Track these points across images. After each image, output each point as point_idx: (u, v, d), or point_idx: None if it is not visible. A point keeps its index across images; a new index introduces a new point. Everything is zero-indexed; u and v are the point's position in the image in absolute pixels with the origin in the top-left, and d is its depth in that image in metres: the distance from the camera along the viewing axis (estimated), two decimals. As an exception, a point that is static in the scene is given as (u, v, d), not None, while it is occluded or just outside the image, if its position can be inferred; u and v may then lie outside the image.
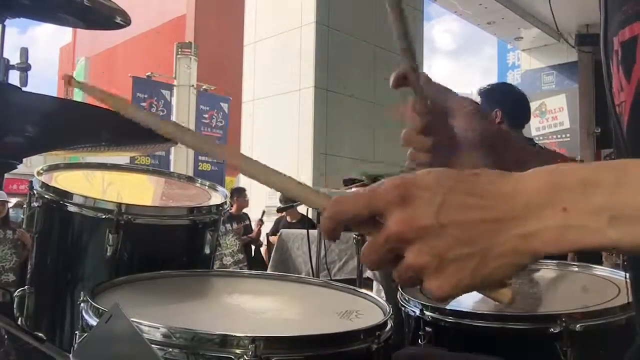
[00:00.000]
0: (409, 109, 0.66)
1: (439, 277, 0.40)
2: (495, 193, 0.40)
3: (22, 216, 1.27)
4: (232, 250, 5.56)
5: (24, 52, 1.08)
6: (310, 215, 3.83)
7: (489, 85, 2.50)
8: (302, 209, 4.88)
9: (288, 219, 5.85)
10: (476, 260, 0.39)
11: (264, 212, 6.52)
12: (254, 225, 6.40)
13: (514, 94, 2.49)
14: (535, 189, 0.39)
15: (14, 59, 1.07)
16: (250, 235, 6.16)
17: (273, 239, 5.26)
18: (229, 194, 1.44)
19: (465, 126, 0.66)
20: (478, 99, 2.49)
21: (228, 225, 5.62)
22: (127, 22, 1.18)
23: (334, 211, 0.44)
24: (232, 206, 6.22)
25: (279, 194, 6.94)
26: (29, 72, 1.07)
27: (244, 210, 6.49)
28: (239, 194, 6.38)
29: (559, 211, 0.38)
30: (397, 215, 0.40)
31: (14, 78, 1.07)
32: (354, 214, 0.43)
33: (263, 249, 6.47)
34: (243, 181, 8.01)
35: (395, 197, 0.41)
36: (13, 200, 5.10)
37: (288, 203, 5.35)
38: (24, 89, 1.05)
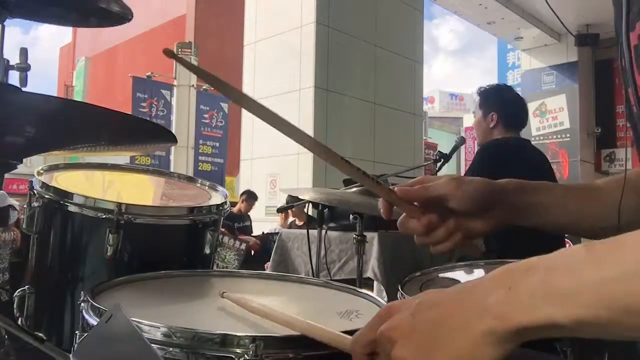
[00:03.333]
0: (407, 221, 0.77)
1: None
2: (461, 290, 0.48)
3: (22, 216, 1.27)
4: (227, 267, 5.51)
5: (24, 52, 1.08)
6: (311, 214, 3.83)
7: (487, 86, 2.53)
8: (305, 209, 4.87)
9: (297, 222, 5.82)
10: (447, 346, 0.44)
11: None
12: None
13: (511, 96, 2.51)
14: (491, 277, 0.46)
15: (16, 58, 1.07)
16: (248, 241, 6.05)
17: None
18: (228, 194, 1.44)
19: (456, 201, 0.75)
20: (477, 99, 2.52)
21: (236, 243, 5.55)
22: (127, 14, 1.17)
23: (353, 350, 0.53)
24: (233, 205, 6.21)
25: (278, 193, 6.94)
26: (30, 72, 1.07)
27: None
28: (250, 197, 6.34)
29: (505, 290, 0.43)
30: (385, 324, 0.50)
31: (14, 78, 1.07)
32: (366, 342, 0.52)
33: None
34: (243, 182, 8.01)
35: (383, 313, 0.52)
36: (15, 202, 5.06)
37: (292, 203, 5.31)
38: (23, 89, 1.05)
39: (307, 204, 2.61)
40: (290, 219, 5.91)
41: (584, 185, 0.84)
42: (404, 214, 0.77)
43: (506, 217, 0.78)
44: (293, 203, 4.08)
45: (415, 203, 0.76)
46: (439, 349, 0.45)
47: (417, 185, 0.77)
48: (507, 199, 0.77)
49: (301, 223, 5.68)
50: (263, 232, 6.22)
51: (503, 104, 2.42)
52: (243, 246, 5.61)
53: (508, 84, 2.99)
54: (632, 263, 0.38)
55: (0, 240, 4.19)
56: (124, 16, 1.17)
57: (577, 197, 0.81)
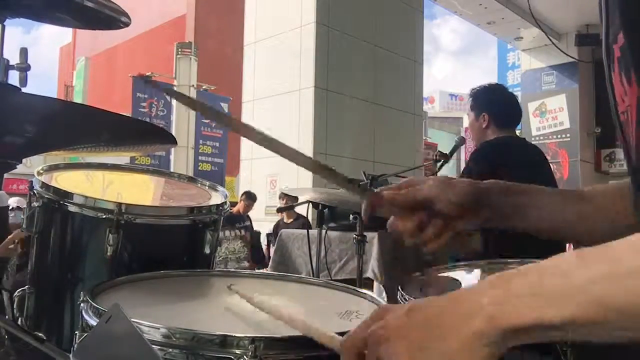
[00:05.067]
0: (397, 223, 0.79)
1: None
2: (457, 292, 0.48)
3: (22, 216, 1.27)
4: (239, 257, 5.55)
5: (24, 52, 1.08)
6: (306, 214, 3.83)
7: (478, 87, 2.52)
8: (298, 209, 4.88)
9: (285, 219, 5.85)
10: (439, 345, 0.45)
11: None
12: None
13: (501, 95, 2.49)
14: (487, 280, 0.46)
15: (16, 58, 1.07)
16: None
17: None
18: (228, 194, 1.44)
19: (443, 204, 0.77)
20: (470, 100, 2.51)
21: (237, 231, 5.60)
22: (127, 22, 1.18)
23: (343, 348, 0.53)
24: (233, 206, 6.22)
25: (278, 193, 6.94)
26: (30, 72, 1.07)
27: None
28: (248, 198, 6.36)
29: (498, 291, 0.44)
30: (376, 324, 0.50)
31: (14, 78, 1.07)
32: (356, 341, 0.51)
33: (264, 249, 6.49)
34: (243, 182, 8.01)
35: (375, 315, 0.52)
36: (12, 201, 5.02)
37: (285, 199, 5.29)
38: (23, 89, 1.05)
39: (307, 204, 2.61)
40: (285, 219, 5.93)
41: (574, 192, 0.84)
42: (392, 216, 0.79)
43: (491, 218, 0.80)
44: (293, 203, 4.08)
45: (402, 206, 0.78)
46: (430, 347, 0.45)
47: (404, 189, 0.78)
48: (491, 201, 0.79)
49: (290, 220, 5.69)
50: (259, 232, 6.28)
51: (493, 104, 2.42)
52: (243, 232, 5.69)
53: (500, 83, 2.97)
54: (618, 264, 0.39)
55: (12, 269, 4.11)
56: (122, 22, 1.17)
57: (560, 203, 0.81)
